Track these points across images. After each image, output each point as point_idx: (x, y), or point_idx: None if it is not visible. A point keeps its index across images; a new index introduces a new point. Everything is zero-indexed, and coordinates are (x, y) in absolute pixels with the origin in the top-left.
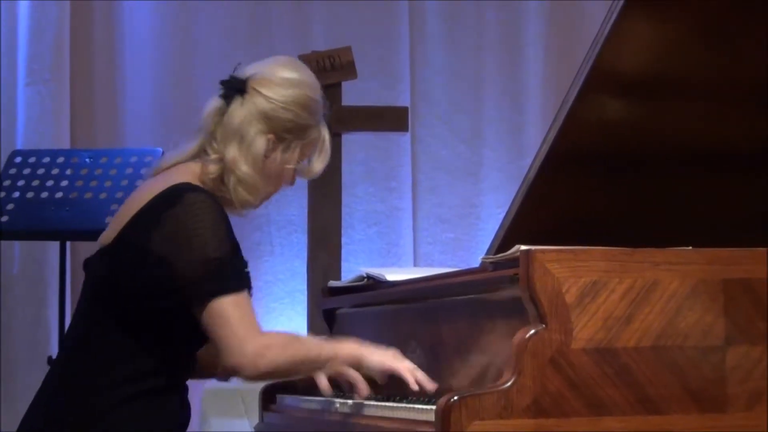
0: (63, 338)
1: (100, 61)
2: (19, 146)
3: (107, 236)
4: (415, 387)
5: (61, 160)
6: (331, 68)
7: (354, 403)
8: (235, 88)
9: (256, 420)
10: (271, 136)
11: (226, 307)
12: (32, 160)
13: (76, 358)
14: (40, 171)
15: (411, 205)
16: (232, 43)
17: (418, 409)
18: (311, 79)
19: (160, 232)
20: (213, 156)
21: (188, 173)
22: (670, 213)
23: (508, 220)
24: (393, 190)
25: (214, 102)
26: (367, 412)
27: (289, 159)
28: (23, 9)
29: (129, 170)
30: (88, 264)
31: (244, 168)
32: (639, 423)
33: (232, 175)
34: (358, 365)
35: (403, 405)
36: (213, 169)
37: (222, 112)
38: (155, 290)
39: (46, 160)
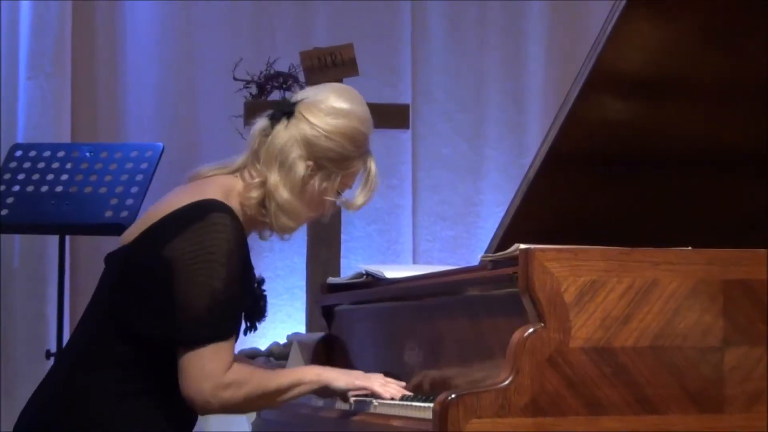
0: (72, 331)
1: (102, 55)
2: (19, 140)
3: (130, 234)
4: (388, 397)
5: (61, 154)
6: (333, 65)
7: (352, 401)
8: (282, 111)
9: (254, 417)
10: (310, 162)
11: (206, 351)
12: (33, 153)
13: (82, 354)
14: (41, 165)
15: (411, 203)
16: (234, 39)
17: (416, 407)
18: (362, 110)
19: (176, 241)
20: (256, 180)
21: (222, 188)
22: (671, 213)
23: (508, 218)
24: (393, 188)
25: (261, 122)
26: (364, 409)
27: (328, 189)
28: (26, 4)
29: (129, 165)
30: (109, 259)
31: (285, 195)
32: (637, 423)
33: (273, 201)
34: (324, 390)
35: (401, 403)
36: (255, 194)
37: (267, 133)
38: (156, 295)
39: (47, 153)
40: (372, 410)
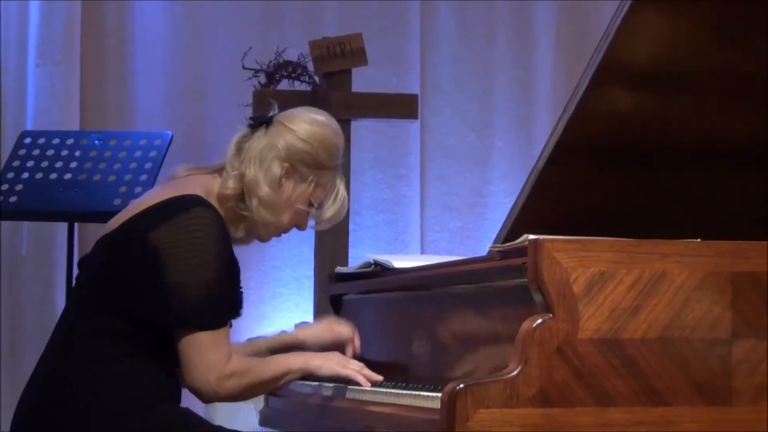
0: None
1: (111, 43)
2: (28, 127)
3: (114, 222)
4: (368, 386)
5: (70, 141)
6: (342, 54)
7: (360, 390)
8: (261, 121)
9: (261, 405)
10: (287, 164)
11: (206, 340)
12: (42, 141)
13: (74, 327)
14: (50, 152)
15: (419, 193)
16: (243, 28)
17: (424, 396)
18: (336, 126)
19: (161, 228)
20: (233, 172)
21: (201, 186)
22: (679, 206)
23: (516, 209)
24: (401, 178)
25: (241, 131)
26: (372, 398)
27: (301, 194)
28: None
29: (138, 153)
30: (84, 261)
31: (265, 188)
32: (644, 414)
33: (254, 197)
34: (309, 376)
35: (409, 392)
36: (232, 184)
37: (246, 139)
38: (143, 281)
39: (56, 141)
40: (379, 399)
